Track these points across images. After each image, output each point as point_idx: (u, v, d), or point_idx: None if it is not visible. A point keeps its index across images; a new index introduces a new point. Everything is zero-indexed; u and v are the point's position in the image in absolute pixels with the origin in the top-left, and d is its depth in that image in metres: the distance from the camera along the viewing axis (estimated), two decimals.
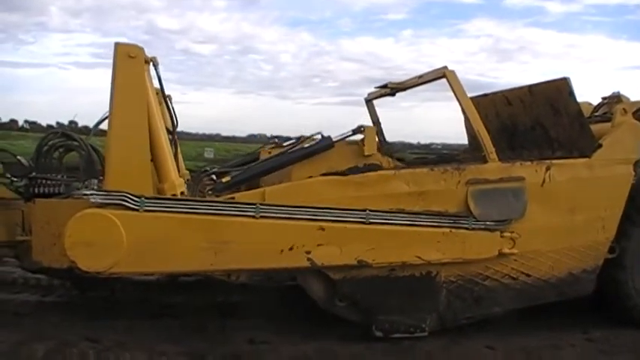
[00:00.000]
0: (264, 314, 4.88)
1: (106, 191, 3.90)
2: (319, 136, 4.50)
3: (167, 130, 4.48)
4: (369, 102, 5.93)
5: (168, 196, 4.09)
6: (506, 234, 4.33)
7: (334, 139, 4.46)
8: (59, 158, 4.88)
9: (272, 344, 4.26)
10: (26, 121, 54.65)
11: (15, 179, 4.73)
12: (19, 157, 4.82)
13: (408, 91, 5.26)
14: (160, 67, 4.29)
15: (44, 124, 50.86)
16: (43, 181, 4.63)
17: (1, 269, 5.93)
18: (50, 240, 4.14)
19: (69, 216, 3.85)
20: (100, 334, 4.30)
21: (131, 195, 3.85)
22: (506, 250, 4.33)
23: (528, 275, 4.47)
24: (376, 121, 5.98)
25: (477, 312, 4.40)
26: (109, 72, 3.91)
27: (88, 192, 3.92)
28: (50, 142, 4.81)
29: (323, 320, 4.41)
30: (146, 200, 3.87)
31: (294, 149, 4.55)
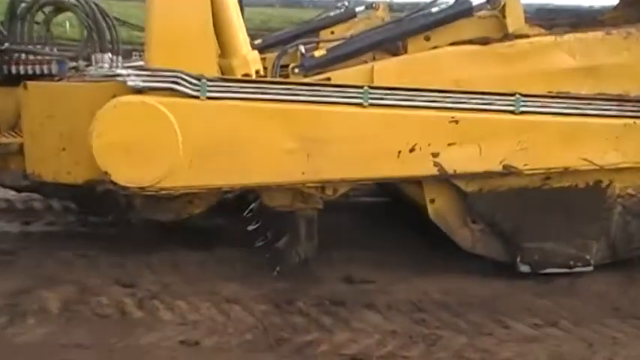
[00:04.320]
0: (350, 241, 5.05)
1: (151, 71, 3.90)
2: None
3: None
4: None
5: (240, 77, 4.13)
6: None
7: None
8: (45, 23, 4.84)
9: (377, 283, 4.44)
10: None
11: None
12: None
13: None
14: None
15: None
16: (24, 57, 4.59)
17: None
18: (56, 142, 4.20)
19: (90, 107, 3.90)
20: (134, 274, 4.47)
21: (188, 75, 3.87)
22: None
23: None
24: None
25: None
26: None
27: (124, 72, 3.91)
28: None
29: (436, 249, 4.61)
30: (209, 83, 3.89)
31: (416, 15, 4.59)
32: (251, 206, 4.77)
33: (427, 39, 4.42)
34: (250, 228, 4.64)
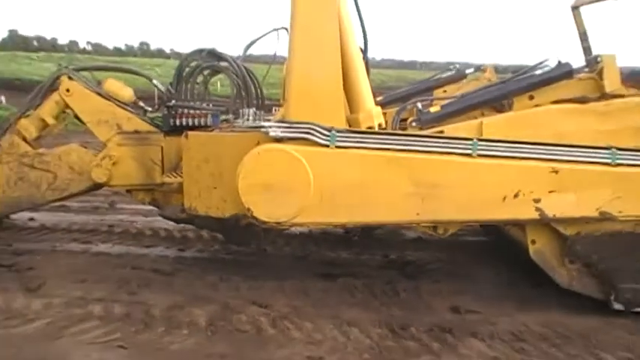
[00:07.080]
0: (458, 275, 5.18)
1: (289, 123, 4.12)
2: (549, 63, 4.68)
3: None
4: (575, 9, 5.80)
5: (365, 129, 4.30)
6: None
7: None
8: (204, 83, 5.19)
9: (482, 314, 4.50)
10: (89, 43, 55.99)
11: (149, 109, 5.16)
12: (154, 82, 5.18)
13: None
14: None
15: (110, 46, 52.40)
16: (185, 111, 4.93)
17: (120, 218, 6.48)
18: (209, 182, 4.44)
19: (237, 153, 4.14)
20: (268, 297, 4.68)
21: (320, 127, 4.08)
22: None
23: None
24: (583, 33, 5.92)
25: None
26: None
27: (266, 124, 4.15)
28: (193, 64, 5.09)
29: (536, 286, 4.68)
30: (338, 134, 4.09)
31: (522, 77, 4.73)
32: None
33: (531, 98, 4.56)
34: None
